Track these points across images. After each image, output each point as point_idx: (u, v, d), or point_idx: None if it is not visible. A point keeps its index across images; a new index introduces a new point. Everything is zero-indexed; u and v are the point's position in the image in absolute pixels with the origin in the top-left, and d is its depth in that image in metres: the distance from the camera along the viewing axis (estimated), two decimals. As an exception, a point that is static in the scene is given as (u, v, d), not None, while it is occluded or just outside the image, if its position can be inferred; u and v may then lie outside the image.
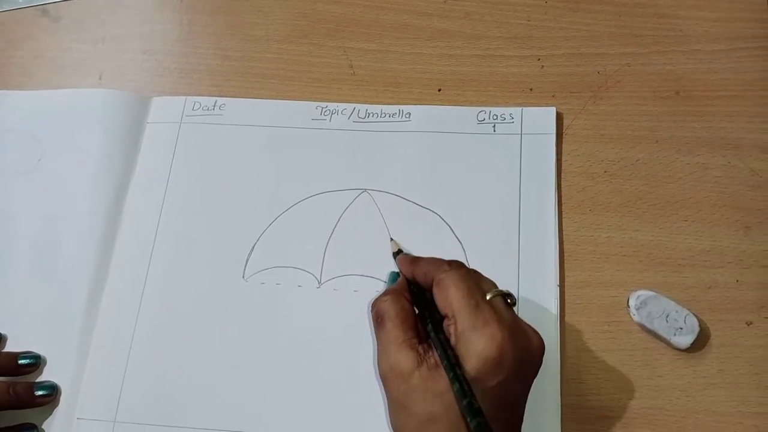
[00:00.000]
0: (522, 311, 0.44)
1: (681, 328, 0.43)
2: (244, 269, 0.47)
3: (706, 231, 0.46)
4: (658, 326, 0.43)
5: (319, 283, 0.46)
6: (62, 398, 0.44)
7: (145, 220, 0.49)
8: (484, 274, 0.45)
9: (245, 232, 0.48)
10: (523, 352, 0.34)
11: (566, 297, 0.45)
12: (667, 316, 0.43)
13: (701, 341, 0.43)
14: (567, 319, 0.44)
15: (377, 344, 0.37)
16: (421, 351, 0.35)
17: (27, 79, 0.56)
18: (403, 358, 0.35)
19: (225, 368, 0.45)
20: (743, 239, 0.46)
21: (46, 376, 0.45)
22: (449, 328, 0.35)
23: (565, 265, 0.46)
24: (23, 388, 0.44)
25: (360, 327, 0.45)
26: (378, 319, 0.37)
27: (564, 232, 0.46)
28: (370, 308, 0.39)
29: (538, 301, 0.44)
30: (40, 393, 0.44)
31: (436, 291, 0.37)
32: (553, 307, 0.44)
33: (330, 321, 0.45)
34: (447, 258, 0.39)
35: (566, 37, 0.52)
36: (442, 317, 0.36)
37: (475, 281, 0.36)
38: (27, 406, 0.44)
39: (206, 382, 0.44)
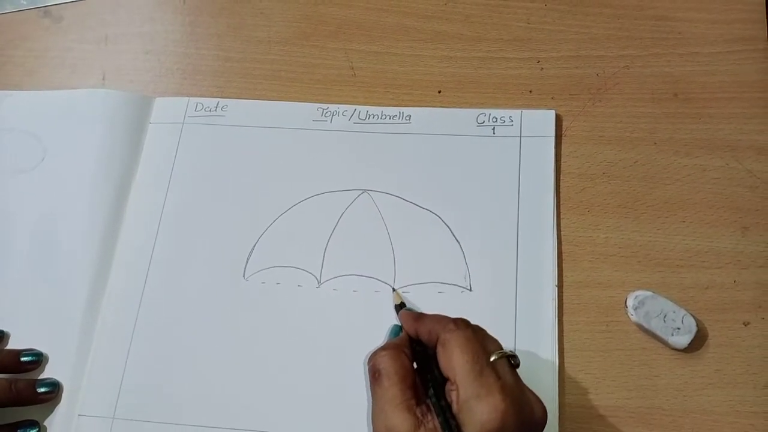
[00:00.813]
0: (520, 312, 0.44)
1: (678, 328, 0.43)
2: (245, 268, 0.47)
3: (704, 232, 0.46)
4: (656, 326, 0.43)
5: (319, 282, 0.47)
6: (63, 395, 0.45)
7: (147, 220, 0.49)
8: (483, 274, 0.46)
9: (246, 231, 0.48)
10: (525, 423, 0.33)
11: (564, 297, 0.45)
12: (665, 316, 0.43)
13: (698, 341, 0.43)
14: (565, 318, 0.45)
15: (372, 400, 0.36)
16: (419, 414, 0.34)
17: (29, 79, 0.56)
18: (400, 420, 0.33)
19: (224, 366, 0.45)
20: (741, 240, 0.46)
21: (47, 373, 0.45)
22: (451, 394, 0.34)
23: (564, 265, 0.46)
24: (25, 385, 0.44)
25: (359, 327, 0.45)
26: (375, 374, 0.36)
27: (562, 233, 0.47)
28: (367, 361, 0.37)
29: (537, 301, 0.45)
30: (41, 390, 0.44)
31: (440, 351, 0.35)
32: (552, 307, 0.44)
33: (329, 320, 0.45)
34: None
35: (565, 40, 0.53)
36: (444, 380, 0.35)
37: (480, 343, 0.35)
38: (29, 403, 0.44)
39: (206, 380, 0.45)
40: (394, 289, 0.46)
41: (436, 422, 0.33)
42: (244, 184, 0.50)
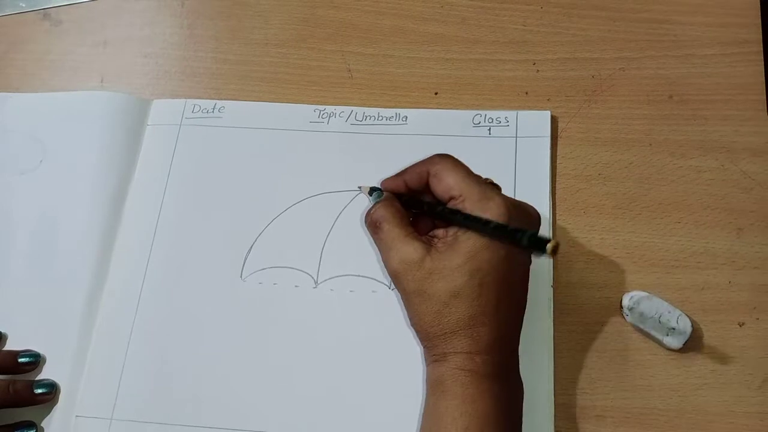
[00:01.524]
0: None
1: (673, 329, 0.43)
2: (242, 269, 0.48)
3: (699, 233, 0.46)
4: (651, 327, 0.43)
5: (316, 283, 0.47)
6: (61, 396, 0.45)
7: (145, 221, 0.50)
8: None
9: (243, 232, 0.49)
10: (527, 223, 0.37)
11: (560, 297, 0.45)
12: (660, 316, 0.43)
13: (694, 342, 0.43)
14: (561, 319, 0.45)
15: (379, 249, 0.38)
16: (425, 240, 0.37)
17: (29, 82, 0.56)
18: (412, 248, 0.36)
19: (222, 367, 0.45)
20: (735, 241, 0.46)
21: (45, 374, 0.46)
22: (458, 206, 0.37)
23: (559, 266, 0.46)
24: (23, 386, 0.44)
25: (356, 327, 0.45)
26: (375, 225, 0.38)
27: (558, 234, 0.47)
28: (364, 220, 0.40)
29: (532, 301, 0.44)
30: (39, 391, 0.44)
31: (434, 182, 0.38)
32: (547, 307, 0.45)
33: (326, 321, 0.46)
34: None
35: (561, 42, 0.53)
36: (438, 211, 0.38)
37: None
38: (26, 404, 0.44)
39: (204, 381, 0.45)
40: (359, 186, 0.46)
41: (448, 236, 0.36)
42: (241, 185, 0.50)
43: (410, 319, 0.37)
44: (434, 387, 0.36)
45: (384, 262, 0.38)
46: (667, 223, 0.47)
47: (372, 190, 0.44)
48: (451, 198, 0.37)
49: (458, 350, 0.35)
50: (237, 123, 0.52)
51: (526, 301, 0.38)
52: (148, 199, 0.50)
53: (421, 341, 0.38)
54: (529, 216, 0.38)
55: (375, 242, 0.39)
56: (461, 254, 0.35)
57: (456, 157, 0.39)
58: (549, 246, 0.33)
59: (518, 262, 0.37)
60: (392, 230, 0.37)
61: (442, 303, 0.35)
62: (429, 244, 0.37)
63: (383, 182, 0.43)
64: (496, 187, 0.39)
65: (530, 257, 0.38)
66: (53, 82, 0.56)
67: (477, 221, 0.35)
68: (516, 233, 0.35)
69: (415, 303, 0.36)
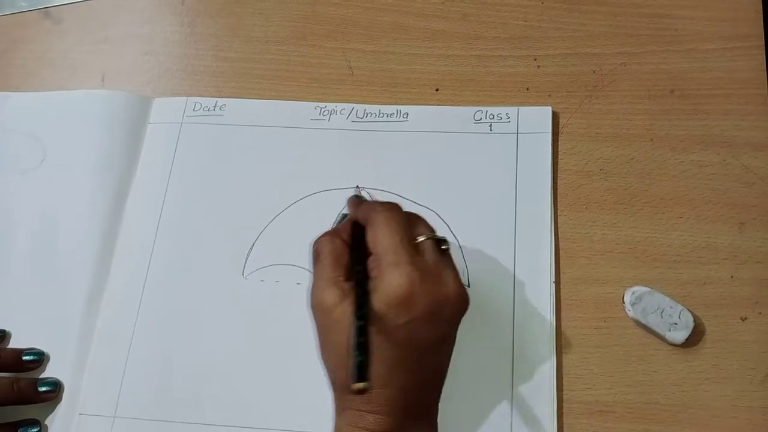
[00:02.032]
0: (518, 308, 0.45)
1: (676, 324, 0.43)
2: (244, 267, 0.48)
3: (701, 228, 0.46)
4: (653, 322, 0.43)
5: (318, 280, 0.47)
6: (64, 394, 0.45)
7: (146, 219, 0.50)
8: (481, 270, 0.46)
9: (245, 230, 0.49)
10: (436, 296, 0.35)
11: (562, 293, 0.45)
12: (662, 311, 0.43)
13: (696, 337, 0.43)
14: (563, 315, 0.45)
15: (312, 279, 0.38)
16: (347, 288, 0.36)
17: (29, 81, 0.56)
18: (329, 293, 0.36)
19: (224, 365, 0.45)
20: (737, 236, 0.46)
21: (48, 372, 0.46)
22: (372, 263, 0.36)
23: (561, 261, 0.46)
24: (26, 384, 0.44)
25: (358, 323, 0.45)
26: (315, 256, 0.39)
27: (560, 230, 0.47)
28: (311, 245, 0.40)
29: (534, 297, 0.45)
30: (43, 389, 0.44)
31: (368, 230, 0.37)
32: (549, 303, 0.45)
33: (329, 318, 0.46)
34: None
35: (562, 37, 0.53)
36: (369, 255, 0.37)
37: (405, 223, 0.37)
38: (30, 401, 0.44)
39: (206, 379, 0.45)
40: (357, 185, 0.47)
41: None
42: (242, 183, 0.50)
43: (320, 356, 0.37)
44: None
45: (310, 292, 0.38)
46: (669, 218, 0.47)
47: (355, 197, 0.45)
48: (373, 253, 0.37)
49: (352, 406, 0.35)
50: (238, 121, 0.52)
51: (442, 367, 0.37)
52: (149, 198, 0.50)
53: (329, 383, 0.38)
54: (444, 291, 0.35)
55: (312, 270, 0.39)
56: None
57: (395, 209, 0.38)
58: (358, 385, 0.31)
59: (424, 335, 0.35)
60: (322, 269, 0.37)
61: (340, 355, 0.35)
62: (349, 291, 0.36)
63: (349, 199, 0.44)
64: (435, 246, 0.37)
65: (449, 328, 0.37)
66: (54, 81, 0.56)
67: (358, 308, 0.34)
68: (357, 347, 0.32)
69: (321, 342, 0.37)
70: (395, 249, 0.35)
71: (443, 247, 0.38)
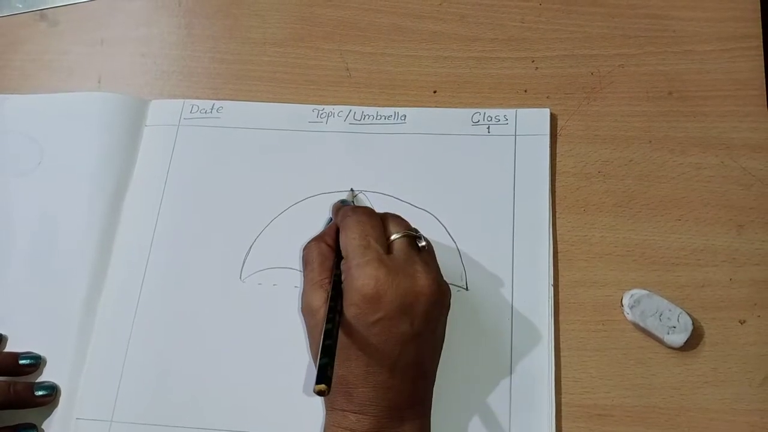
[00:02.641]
0: (516, 311, 0.44)
1: (674, 327, 0.43)
2: (241, 270, 0.48)
3: (699, 230, 0.46)
4: (652, 325, 0.43)
5: (316, 283, 0.47)
6: (61, 398, 0.45)
7: (143, 222, 0.49)
8: (479, 273, 0.46)
9: (242, 233, 0.49)
10: (405, 291, 0.36)
11: (560, 296, 0.45)
12: (661, 314, 0.43)
13: (694, 340, 0.43)
14: (561, 318, 0.45)
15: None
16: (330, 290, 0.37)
17: (25, 83, 0.56)
18: (314, 296, 0.38)
19: (222, 368, 0.45)
20: (736, 238, 0.46)
21: (45, 376, 0.46)
22: (343, 266, 0.38)
23: (559, 264, 0.46)
24: (23, 388, 0.44)
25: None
26: (304, 262, 0.41)
27: (558, 232, 0.47)
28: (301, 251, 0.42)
29: (533, 300, 0.45)
30: (40, 393, 0.44)
31: (340, 234, 0.39)
32: (547, 306, 0.44)
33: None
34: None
35: (560, 39, 0.53)
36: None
37: (374, 224, 0.39)
38: (27, 405, 0.44)
39: (203, 382, 0.45)
40: (351, 189, 0.48)
41: None
42: (240, 186, 0.50)
43: (311, 357, 0.40)
44: None
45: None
46: (667, 220, 0.47)
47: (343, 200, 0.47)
48: (344, 256, 0.38)
49: (335, 407, 0.37)
50: (235, 123, 0.52)
51: (425, 363, 0.38)
52: (146, 200, 0.50)
53: None
54: (412, 287, 0.36)
55: None
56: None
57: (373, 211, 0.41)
58: (316, 387, 0.31)
59: (397, 331, 0.36)
60: (309, 274, 0.40)
61: None
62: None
63: (333, 205, 0.46)
64: (409, 243, 0.38)
65: (425, 322, 0.37)
66: (50, 83, 0.56)
67: (329, 310, 0.35)
68: (322, 350, 0.33)
69: (310, 341, 0.40)
70: (361, 250, 0.37)
71: (421, 244, 0.39)
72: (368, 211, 0.40)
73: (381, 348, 0.35)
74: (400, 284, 0.36)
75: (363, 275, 0.36)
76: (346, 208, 0.41)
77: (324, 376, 0.32)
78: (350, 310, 0.36)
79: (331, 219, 0.46)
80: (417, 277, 0.37)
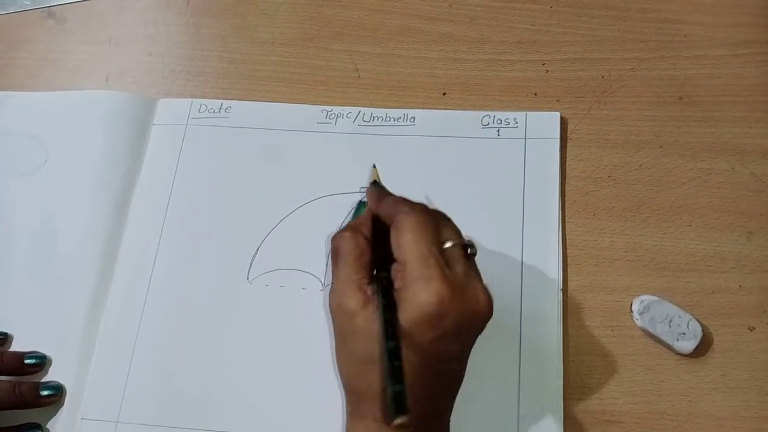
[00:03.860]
0: (525, 315, 0.44)
1: (684, 333, 0.43)
2: (249, 271, 0.47)
3: (709, 236, 0.46)
4: (661, 331, 0.43)
5: (323, 285, 0.47)
6: (66, 398, 0.45)
7: (150, 222, 0.49)
8: (487, 277, 0.45)
9: (250, 234, 0.48)
10: (466, 312, 0.33)
11: (569, 301, 0.45)
12: (670, 321, 0.43)
13: (704, 346, 0.43)
14: (570, 323, 0.44)
15: (332, 279, 0.37)
16: (370, 292, 0.34)
17: (32, 81, 0.56)
18: (350, 297, 0.34)
19: (228, 370, 0.45)
20: (746, 244, 0.46)
21: (50, 376, 0.45)
22: (398, 274, 0.34)
23: (568, 269, 0.46)
24: (28, 388, 0.44)
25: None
26: (334, 254, 0.37)
27: (567, 237, 0.47)
28: (329, 240, 0.38)
29: (541, 305, 0.45)
30: (45, 393, 0.44)
31: (393, 233, 0.35)
32: (556, 311, 0.44)
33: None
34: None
35: (571, 42, 0.53)
36: (394, 260, 0.35)
37: (433, 229, 0.35)
38: (32, 405, 0.44)
39: (210, 384, 0.45)
40: (374, 165, 0.45)
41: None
42: (247, 186, 0.50)
43: (335, 358, 0.36)
44: None
45: (329, 293, 0.36)
46: (677, 226, 0.46)
47: (365, 195, 0.42)
48: (397, 260, 0.34)
49: (368, 416, 0.34)
50: (244, 123, 0.52)
51: (458, 379, 0.36)
52: (153, 200, 0.50)
53: (341, 386, 0.37)
54: (474, 305, 0.34)
55: (331, 267, 0.37)
56: None
57: (422, 212, 0.36)
58: (397, 420, 0.29)
59: (449, 351, 0.34)
60: (344, 269, 0.36)
61: (358, 363, 0.34)
62: (372, 296, 0.34)
63: (369, 191, 0.41)
64: (463, 253, 0.35)
65: (472, 341, 0.35)
66: (57, 81, 0.56)
67: (386, 325, 0.32)
68: (391, 374, 0.30)
69: (339, 345, 0.36)
70: (425, 260, 0.33)
71: (470, 251, 0.36)
72: (426, 211, 0.36)
73: (428, 365, 0.33)
74: (461, 305, 0.33)
75: (426, 291, 0.32)
76: (399, 201, 0.37)
77: (402, 405, 0.29)
78: (407, 325, 0.32)
79: (362, 202, 0.42)
80: (478, 297, 0.34)
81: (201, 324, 0.46)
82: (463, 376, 0.36)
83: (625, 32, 0.52)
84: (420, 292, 0.32)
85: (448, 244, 0.35)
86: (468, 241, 0.36)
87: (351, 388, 0.35)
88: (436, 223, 0.36)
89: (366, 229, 0.38)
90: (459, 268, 0.34)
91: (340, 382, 0.43)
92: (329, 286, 0.46)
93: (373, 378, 0.33)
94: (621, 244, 0.46)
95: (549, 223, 0.47)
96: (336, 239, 0.37)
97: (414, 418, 0.31)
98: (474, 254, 0.36)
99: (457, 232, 0.36)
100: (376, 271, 0.36)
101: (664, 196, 0.47)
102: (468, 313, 0.33)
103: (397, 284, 0.34)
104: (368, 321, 0.33)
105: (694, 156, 0.48)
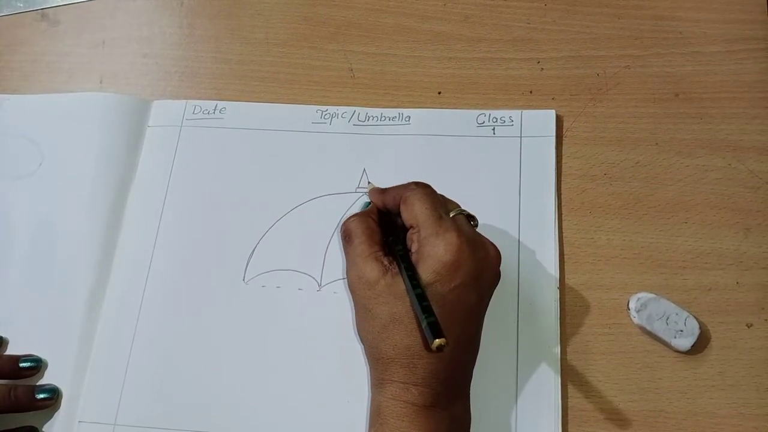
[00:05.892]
0: (522, 314, 0.44)
1: (681, 331, 0.43)
2: (245, 272, 0.47)
3: (706, 233, 0.46)
4: (659, 328, 0.43)
5: (320, 286, 0.46)
6: (63, 401, 0.45)
7: (146, 224, 0.49)
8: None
9: (246, 235, 0.48)
10: (480, 261, 0.37)
11: (566, 299, 0.45)
12: (668, 318, 0.43)
13: (701, 343, 0.43)
14: (567, 321, 0.44)
15: (346, 259, 0.40)
16: (386, 262, 0.38)
17: (26, 83, 0.56)
18: (369, 268, 0.37)
19: (225, 371, 0.45)
20: (743, 241, 0.46)
21: (46, 379, 0.45)
22: (413, 237, 0.38)
23: (566, 267, 0.46)
24: (24, 392, 0.44)
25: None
26: (346, 236, 0.40)
27: (564, 235, 0.47)
28: (340, 228, 0.41)
29: (539, 303, 0.44)
30: (41, 396, 0.44)
31: (403, 208, 0.39)
32: (554, 309, 0.44)
33: (330, 324, 0.45)
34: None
35: (566, 40, 0.53)
36: (407, 230, 0.39)
37: (440, 199, 0.40)
38: (28, 409, 0.44)
39: (206, 385, 0.44)
40: (369, 182, 0.48)
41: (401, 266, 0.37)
42: (243, 187, 0.50)
43: (357, 328, 0.39)
44: (373, 416, 0.37)
45: (346, 272, 0.39)
46: (674, 223, 0.46)
47: (366, 195, 0.45)
48: (411, 227, 0.38)
49: (395, 379, 0.36)
50: (238, 124, 0.52)
51: (477, 336, 0.38)
52: (149, 202, 0.50)
53: (367, 360, 0.39)
54: (485, 255, 0.38)
55: (344, 251, 0.40)
56: (404, 286, 0.36)
57: (429, 185, 0.41)
58: (437, 341, 0.33)
59: (468, 300, 0.36)
60: (359, 246, 0.39)
61: (383, 325, 0.36)
62: (389, 265, 0.37)
63: (371, 190, 0.44)
64: (467, 220, 0.39)
65: (488, 294, 0.38)
66: (51, 84, 0.55)
67: (410, 278, 0.36)
68: (423, 310, 0.34)
69: (361, 318, 0.38)
70: (437, 219, 0.37)
71: (472, 223, 0.40)
72: (431, 187, 0.40)
73: (450, 318, 0.35)
74: (475, 254, 0.36)
75: (443, 242, 0.36)
76: (409, 184, 0.41)
77: (438, 330, 0.33)
78: (428, 278, 0.35)
79: (368, 203, 0.45)
80: (488, 248, 0.38)
81: (198, 325, 0.46)
82: (478, 344, 0.38)
83: (620, 29, 0.52)
84: (437, 245, 0.36)
85: (452, 213, 0.39)
86: (470, 212, 0.40)
87: (377, 356, 0.37)
88: (441, 196, 0.40)
89: (374, 215, 0.41)
90: (466, 227, 0.38)
91: (337, 384, 0.44)
92: (327, 286, 0.46)
93: (399, 337, 0.35)
94: (618, 241, 0.46)
95: (545, 221, 0.46)
96: (347, 223, 0.40)
97: (443, 389, 0.35)
98: (476, 225, 0.40)
99: (458, 205, 0.40)
100: (393, 241, 0.39)
101: (661, 194, 0.47)
102: (481, 262, 0.37)
103: (413, 247, 0.37)
104: (390, 286, 0.36)
105: (691, 153, 0.48)
